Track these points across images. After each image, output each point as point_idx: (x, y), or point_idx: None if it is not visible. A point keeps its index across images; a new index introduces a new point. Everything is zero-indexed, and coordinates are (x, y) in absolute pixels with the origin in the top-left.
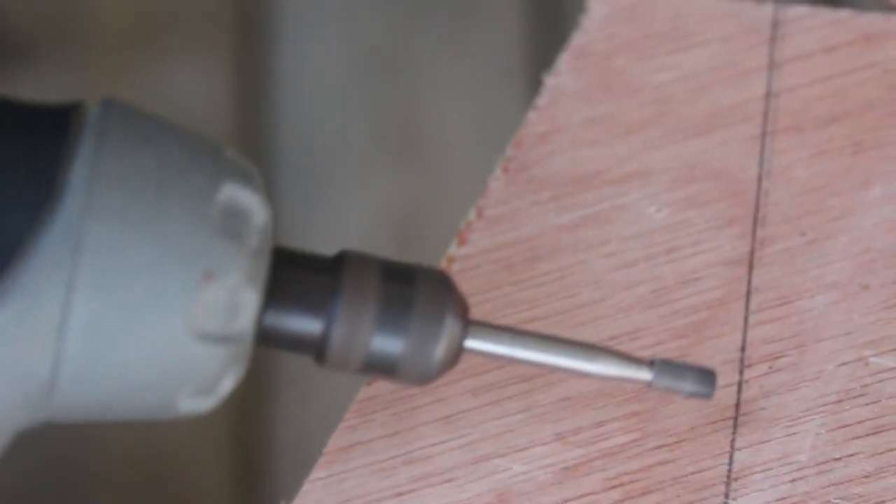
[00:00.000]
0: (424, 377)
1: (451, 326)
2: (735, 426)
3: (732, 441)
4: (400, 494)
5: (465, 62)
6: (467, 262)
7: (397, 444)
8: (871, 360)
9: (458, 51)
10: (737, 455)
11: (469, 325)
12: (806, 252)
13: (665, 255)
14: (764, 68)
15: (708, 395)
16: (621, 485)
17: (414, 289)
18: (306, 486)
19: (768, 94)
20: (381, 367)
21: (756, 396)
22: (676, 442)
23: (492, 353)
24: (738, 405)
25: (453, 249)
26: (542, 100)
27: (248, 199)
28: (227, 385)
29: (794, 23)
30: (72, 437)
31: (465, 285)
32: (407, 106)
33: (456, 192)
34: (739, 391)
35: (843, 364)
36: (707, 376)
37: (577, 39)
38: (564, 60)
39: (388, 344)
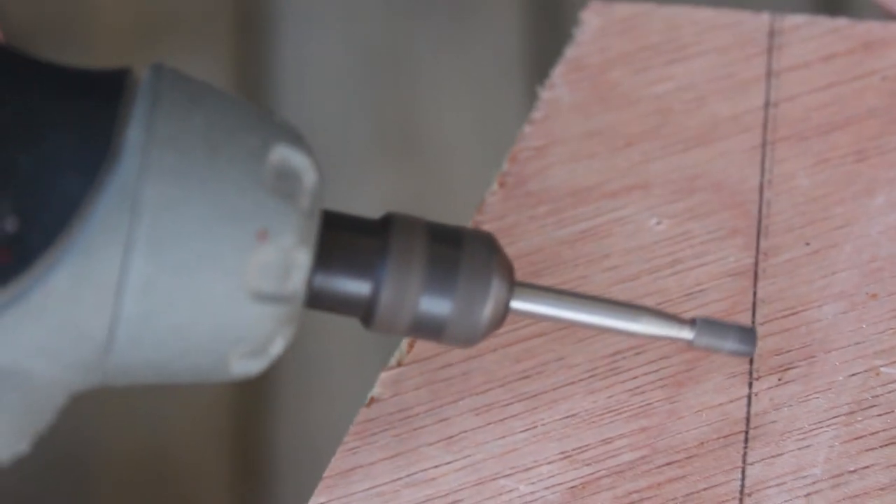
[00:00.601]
0: (471, 339)
1: (497, 287)
2: (746, 440)
3: (744, 455)
4: None
5: (465, 62)
6: None
7: (399, 467)
8: (882, 370)
9: (458, 51)
10: (749, 470)
11: (514, 286)
12: (811, 262)
13: (668, 268)
14: (762, 78)
15: (749, 353)
16: (631, 503)
17: (460, 250)
18: None
19: (767, 104)
20: (428, 329)
21: (767, 409)
22: (687, 458)
23: (537, 314)
24: (748, 418)
25: None
26: (537, 113)
27: (298, 161)
28: (279, 347)
29: (791, 32)
30: (72, 436)
31: None
32: (407, 106)
33: (456, 192)
34: (749, 404)
35: (854, 375)
36: (748, 334)
37: (572, 52)
38: (559, 73)
39: (435, 305)
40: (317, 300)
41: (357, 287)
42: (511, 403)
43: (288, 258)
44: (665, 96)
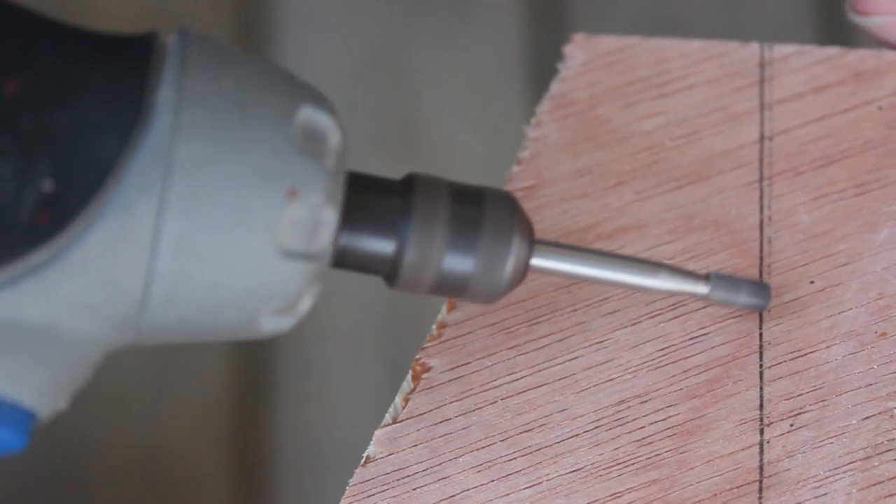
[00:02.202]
0: (493, 295)
1: (518, 245)
2: (761, 489)
3: None
4: None
5: (465, 62)
6: (460, 328)
7: None
8: None
9: (458, 51)
10: None
11: (535, 243)
12: (817, 301)
13: (670, 311)
14: (755, 111)
15: (763, 307)
16: None
17: (482, 209)
18: None
19: (762, 138)
20: (452, 287)
21: (780, 456)
22: None
23: (556, 271)
24: (761, 467)
25: (443, 315)
26: (525, 153)
27: (324, 121)
28: (306, 304)
29: (781, 63)
30: (71, 437)
31: (458, 353)
32: (407, 106)
33: None
34: (762, 452)
35: (867, 418)
36: (762, 288)
37: (557, 88)
38: (545, 110)
39: (458, 263)
40: (342, 259)
41: (382, 246)
42: (514, 458)
43: (316, 216)
44: (656, 132)
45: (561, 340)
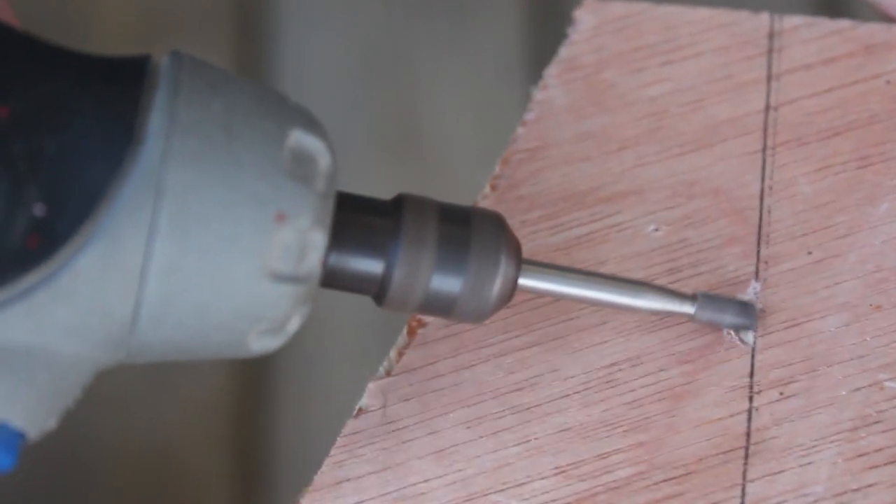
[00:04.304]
0: (480, 315)
1: (505, 265)
2: (747, 456)
3: (744, 472)
4: None
5: (465, 62)
6: None
7: (388, 481)
8: (887, 384)
9: (458, 51)
10: (749, 487)
11: (522, 263)
12: (814, 272)
13: (665, 276)
14: (762, 80)
15: (749, 327)
16: None
17: (470, 229)
18: None
19: (768, 107)
20: (439, 307)
21: (767, 424)
22: (685, 474)
23: (543, 290)
24: (748, 434)
25: None
26: (530, 115)
27: (314, 145)
28: (295, 324)
29: (791, 33)
30: (72, 437)
31: None
32: (407, 106)
33: (456, 191)
34: (749, 419)
35: (857, 389)
36: (748, 308)
37: (565, 52)
38: (552, 74)
39: (446, 283)
40: (331, 279)
41: (370, 266)
42: (503, 416)
43: (304, 239)
44: (661, 98)
45: (557, 302)
